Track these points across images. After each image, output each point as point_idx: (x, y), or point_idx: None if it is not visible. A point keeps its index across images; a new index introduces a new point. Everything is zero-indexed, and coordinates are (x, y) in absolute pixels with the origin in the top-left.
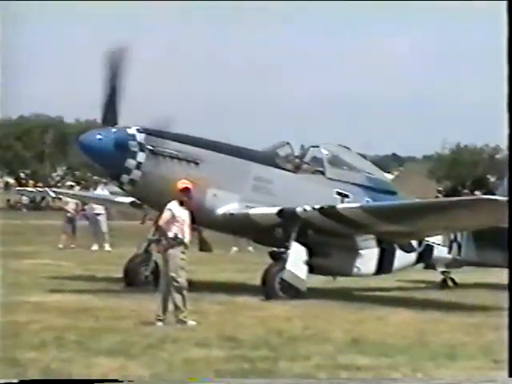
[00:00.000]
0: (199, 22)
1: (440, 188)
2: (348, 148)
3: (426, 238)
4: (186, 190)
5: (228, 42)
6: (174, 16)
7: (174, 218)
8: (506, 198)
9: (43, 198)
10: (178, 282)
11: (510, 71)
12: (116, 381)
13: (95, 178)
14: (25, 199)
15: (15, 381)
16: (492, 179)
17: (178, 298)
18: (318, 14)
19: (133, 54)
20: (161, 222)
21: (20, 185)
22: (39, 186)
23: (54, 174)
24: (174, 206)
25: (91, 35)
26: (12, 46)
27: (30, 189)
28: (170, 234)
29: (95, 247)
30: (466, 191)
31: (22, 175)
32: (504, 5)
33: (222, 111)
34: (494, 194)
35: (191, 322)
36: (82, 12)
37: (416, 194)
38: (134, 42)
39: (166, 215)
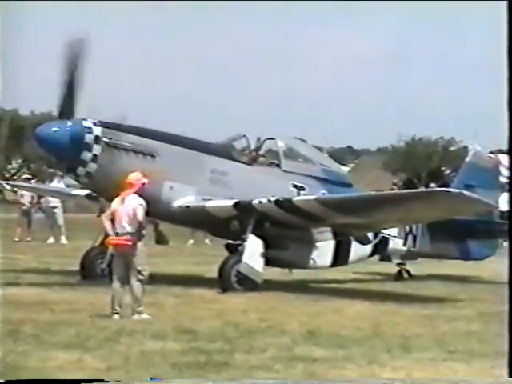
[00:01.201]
0: (165, 18)
1: (395, 180)
2: (304, 140)
3: (382, 230)
4: (143, 184)
5: (194, 37)
6: (140, 11)
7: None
8: (459, 190)
9: None
10: (143, 275)
11: (510, 72)
12: (102, 381)
13: (51, 170)
14: None
15: (1, 381)
16: (447, 171)
17: (139, 290)
18: (279, 13)
19: (96, 46)
20: (141, 218)
21: None
22: None
23: (9, 167)
24: (142, 200)
25: (50, 25)
26: None
27: None
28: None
29: (51, 240)
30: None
31: None
32: (504, 5)
33: (181, 107)
34: (448, 186)
35: (146, 316)
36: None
37: (371, 186)
38: (96, 32)
39: (141, 210)
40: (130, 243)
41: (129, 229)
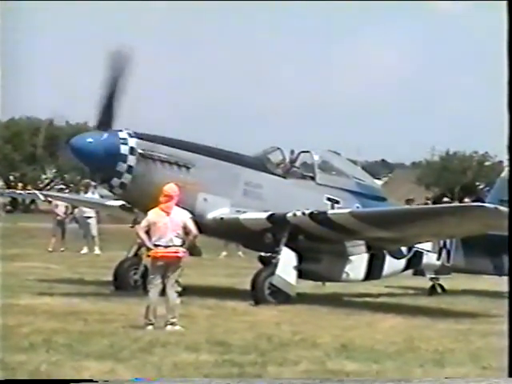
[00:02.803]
0: (192, 24)
1: (412, 197)
2: (338, 153)
3: (416, 245)
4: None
5: (222, 44)
6: (169, 18)
7: None
8: (493, 206)
9: (32, 201)
10: (181, 286)
11: (510, 72)
12: (91, 381)
13: (85, 181)
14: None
15: None
16: (481, 186)
17: (176, 302)
18: (307, 20)
19: (136, 57)
20: (195, 231)
21: (9, 187)
22: (28, 189)
23: (43, 177)
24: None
25: (84, 37)
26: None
27: (18, 191)
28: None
29: (85, 250)
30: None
31: (10, 178)
32: (504, 5)
33: (212, 116)
34: (482, 201)
35: (179, 327)
36: (75, 13)
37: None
38: (132, 44)
39: (193, 223)
40: (180, 255)
41: (178, 241)
